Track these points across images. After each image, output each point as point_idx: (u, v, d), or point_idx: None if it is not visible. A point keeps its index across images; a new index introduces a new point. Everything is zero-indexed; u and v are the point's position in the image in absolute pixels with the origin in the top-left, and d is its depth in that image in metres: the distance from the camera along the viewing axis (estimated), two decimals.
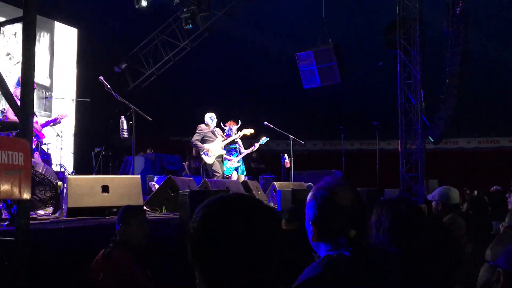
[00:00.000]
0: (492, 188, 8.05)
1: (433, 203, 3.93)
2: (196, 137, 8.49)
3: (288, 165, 9.61)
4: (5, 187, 2.31)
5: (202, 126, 8.62)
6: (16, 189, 2.36)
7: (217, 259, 1.17)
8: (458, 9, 10.12)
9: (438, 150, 15.08)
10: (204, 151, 8.40)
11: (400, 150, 10.52)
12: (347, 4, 13.62)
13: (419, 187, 10.09)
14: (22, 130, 2.47)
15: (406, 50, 10.35)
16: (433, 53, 11.24)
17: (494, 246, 1.27)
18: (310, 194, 1.74)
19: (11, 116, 5.58)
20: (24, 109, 2.50)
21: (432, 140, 10.64)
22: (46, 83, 11.31)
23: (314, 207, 1.68)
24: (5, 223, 3.62)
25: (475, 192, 10.14)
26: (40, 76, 10.89)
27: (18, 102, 2.61)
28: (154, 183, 9.45)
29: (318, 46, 10.72)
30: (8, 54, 10.20)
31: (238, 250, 1.16)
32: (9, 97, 2.51)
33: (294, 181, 9.15)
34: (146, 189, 8.77)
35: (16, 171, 2.37)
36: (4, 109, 6.53)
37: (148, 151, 12.40)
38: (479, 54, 13.03)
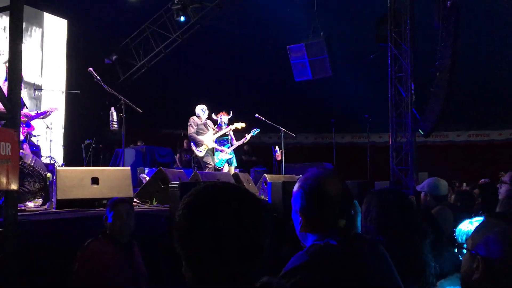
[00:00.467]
0: (481, 181, 8.12)
1: (422, 194, 3.96)
2: (191, 129, 8.46)
3: (279, 158, 9.62)
4: None
5: (194, 118, 8.59)
6: (4, 180, 2.35)
7: (203, 246, 1.17)
8: (449, 2, 10.14)
9: (428, 143, 15.18)
10: (200, 143, 8.40)
11: (390, 143, 10.58)
12: None
13: (409, 180, 10.16)
14: (10, 120, 2.45)
15: (397, 44, 10.38)
16: (424, 46, 11.28)
17: (474, 234, 1.29)
18: (296, 185, 1.74)
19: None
20: (11, 99, 2.48)
21: (422, 133, 10.69)
22: (38, 82, 11.16)
23: (302, 198, 1.68)
24: None
25: (464, 185, 10.22)
26: (32, 75, 10.73)
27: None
28: (145, 176, 9.42)
29: (309, 39, 10.72)
30: None
31: (223, 237, 1.16)
32: None
33: (285, 174, 9.17)
34: (136, 181, 8.75)
35: (3, 162, 2.35)
36: None
37: (139, 144, 12.35)
38: (469, 47, 13.11)
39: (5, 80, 5.56)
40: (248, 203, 1.23)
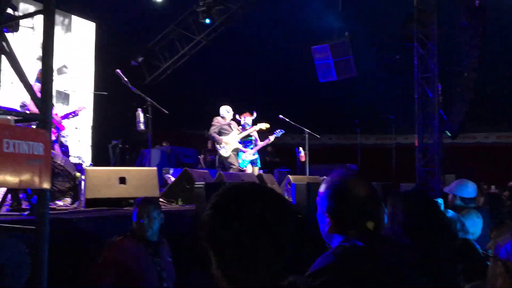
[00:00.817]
0: (510, 183, 7.93)
1: (450, 196, 3.90)
2: (213, 129, 8.53)
3: (303, 159, 9.59)
4: (25, 176, 2.37)
5: (218, 118, 8.65)
6: (37, 179, 2.42)
7: (230, 245, 1.20)
8: (477, 1, 9.96)
9: (456, 145, 14.90)
10: (221, 143, 8.45)
11: (417, 144, 10.42)
12: None
13: (435, 182, 10.00)
14: (43, 121, 2.53)
15: (423, 43, 10.23)
16: (451, 46, 11.10)
17: (495, 237, 1.27)
18: (323, 186, 1.74)
19: (33, 108, 5.68)
20: (44, 101, 2.56)
21: (450, 135, 10.53)
22: (67, 83, 11.37)
23: (330, 198, 1.68)
24: (26, 213, 3.72)
25: (493, 187, 10.00)
26: (61, 76, 10.94)
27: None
28: (169, 176, 9.54)
29: (334, 40, 10.66)
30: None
31: (249, 237, 1.19)
32: (30, 90, 2.57)
33: (309, 175, 9.15)
34: (162, 181, 8.87)
35: (36, 161, 2.43)
36: (24, 102, 6.65)
37: (164, 144, 12.50)
38: (497, 47, 12.83)
39: (36, 81, 5.73)
40: (273, 203, 1.25)
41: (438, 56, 10.10)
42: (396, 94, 13.68)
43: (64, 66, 11.32)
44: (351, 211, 1.65)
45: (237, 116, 8.91)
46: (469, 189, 3.85)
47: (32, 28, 10.14)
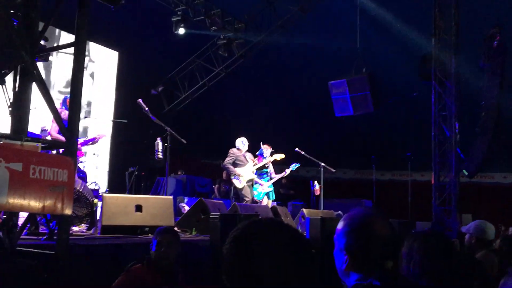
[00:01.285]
0: None
1: (467, 236, 3.84)
2: (228, 160, 8.60)
3: (317, 193, 9.57)
4: (49, 202, 2.43)
5: (234, 150, 8.72)
6: (59, 205, 2.48)
7: (247, 280, 1.22)
8: (495, 42, 10.02)
9: (473, 184, 14.70)
10: (236, 175, 8.49)
11: (433, 182, 10.32)
12: (383, 34, 13.68)
13: (452, 221, 9.85)
14: (68, 148, 2.61)
15: (441, 82, 10.27)
16: (469, 85, 11.11)
17: (507, 281, 1.27)
18: (342, 223, 1.74)
19: (54, 134, 5.82)
20: (71, 129, 2.65)
21: (467, 174, 10.41)
22: (87, 109, 11.63)
23: (349, 236, 1.69)
24: (44, 237, 3.76)
25: (510, 230, 9.81)
26: (82, 103, 11.21)
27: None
28: (184, 205, 9.58)
29: (352, 75, 10.76)
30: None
31: (270, 272, 1.21)
32: (57, 117, 2.66)
33: (323, 209, 9.10)
34: (176, 210, 8.90)
35: (60, 188, 2.49)
36: (44, 127, 6.81)
37: (179, 173, 12.59)
38: None
39: (62, 107, 5.89)
40: (292, 240, 1.28)
41: (456, 95, 10.12)
42: (413, 131, 13.66)
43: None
44: (371, 250, 1.64)
45: (261, 144, 8.95)
46: (488, 231, 3.79)
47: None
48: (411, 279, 1.91)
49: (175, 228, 5.51)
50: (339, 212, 8.38)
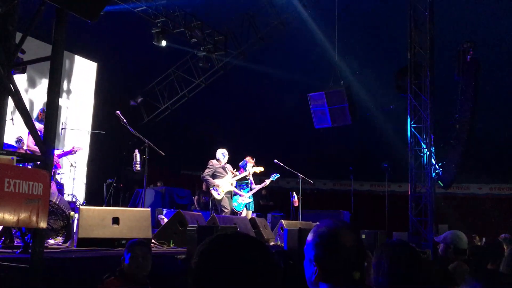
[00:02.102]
0: (501, 236, 7.96)
1: (441, 246, 3.89)
2: (207, 172, 8.60)
3: (296, 204, 9.64)
4: (24, 215, 2.43)
5: (214, 161, 8.74)
6: (34, 218, 2.48)
7: None
8: (468, 56, 10.31)
9: (449, 195, 14.99)
10: (214, 186, 8.50)
11: (409, 193, 10.51)
12: (360, 47, 13.93)
13: (428, 232, 10.01)
14: (44, 162, 2.61)
15: (417, 95, 10.50)
16: (444, 98, 11.39)
17: None
18: (311, 235, 1.78)
19: (31, 146, 5.77)
20: (47, 143, 2.65)
21: (442, 185, 10.62)
22: (64, 121, 11.51)
23: (318, 247, 1.72)
24: (18, 251, 3.72)
25: (483, 240, 10.01)
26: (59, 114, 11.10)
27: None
28: (162, 216, 9.53)
29: (330, 88, 10.92)
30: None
31: (234, 285, 1.25)
32: (33, 130, 2.67)
33: (302, 220, 9.16)
34: (154, 222, 8.85)
35: (35, 201, 2.49)
36: (20, 137, 6.73)
37: (158, 184, 12.52)
38: (490, 99, 13.14)
39: (36, 121, 5.84)
40: (256, 254, 1.32)
41: (431, 108, 10.36)
42: (390, 143, 13.89)
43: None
44: (338, 261, 1.68)
45: (246, 157, 8.96)
46: (463, 240, 3.85)
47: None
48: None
49: (153, 240, 5.51)
50: (318, 223, 8.44)
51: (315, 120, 11.23)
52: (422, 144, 10.39)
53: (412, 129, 10.52)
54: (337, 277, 1.69)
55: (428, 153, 10.29)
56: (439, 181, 10.56)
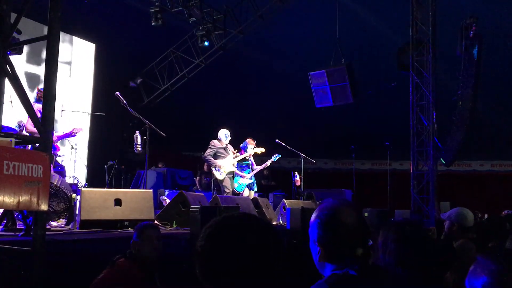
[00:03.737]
0: (503, 212, 7.96)
1: (447, 223, 3.84)
2: (208, 152, 8.57)
3: (298, 183, 9.64)
4: (24, 198, 2.40)
5: (215, 141, 8.70)
6: (35, 201, 2.45)
7: (222, 275, 1.24)
8: (471, 32, 10.15)
9: (451, 172, 14.98)
10: (216, 166, 8.47)
11: (411, 171, 10.49)
12: (361, 24, 13.75)
13: (430, 209, 10.03)
14: (43, 144, 2.57)
15: (419, 72, 10.39)
16: (446, 75, 11.27)
17: (471, 273, 1.29)
18: (314, 215, 1.77)
19: (30, 127, 5.72)
20: (45, 124, 2.60)
21: (444, 162, 10.59)
22: (64, 102, 11.43)
23: (319, 228, 1.71)
24: (21, 233, 3.71)
25: (486, 216, 10.03)
26: (59, 96, 11.01)
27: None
28: (165, 198, 9.54)
29: (331, 66, 10.81)
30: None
31: (240, 267, 1.23)
32: (31, 112, 2.62)
33: (304, 200, 9.17)
34: (156, 203, 8.86)
35: (35, 183, 2.45)
36: (21, 122, 6.69)
37: (160, 165, 12.51)
38: (492, 76, 13.02)
39: (35, 101, 5.78)
40: (262, 234, 1.30)
41: (433, 85, 10.26)
42: (392, 121, 13.82)
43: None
44: (340, 240, 1.67)
45: (249, 140, 8.90)
46: (469, 218, 3.80)
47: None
48: (387, 269, 1.94)
49: (155, 221, 5.51)
50: (319, 201, 8.45)
51: (316, 99, 11.15)
52: (424, 122, 10.33)
53: (414, 106, 10.44)
54: (341, 257, 1.67)
55: (430, 130, 10.24)
56: (441, 159, 10.53)
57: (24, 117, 6.30)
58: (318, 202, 8.39)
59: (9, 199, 2.32)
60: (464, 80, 10.44)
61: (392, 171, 12.43)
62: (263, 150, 9.00)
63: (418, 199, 10.26)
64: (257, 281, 1.23)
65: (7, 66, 2.62)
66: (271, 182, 13.70)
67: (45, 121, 2.59)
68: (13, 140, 2.43)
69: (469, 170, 18.17)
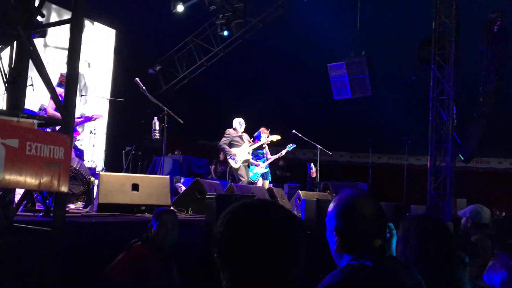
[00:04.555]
0: None
1: (463, 220, 3.88)
2: (224, 140, 8.59)
3: (314, 175, 9.63)
4: (45, 179, 2.43)
5: (230, 130, 8.71)
6: (55, 182, 2.48)
7: (243, 262, 1.23)
8: (495, 27, 9.95)
9: (469, 169, 14.79)
10: (231, 155, 8.49)
11: (429, 166, 10.37)
12: (383, 17, 13.57)
13: (446, 205, 9.92)
14: (64, 126, 2.60)
15: (440, 66, 10.21)
16: (468, 70, 11.07)
17: (490, 268, 1.28)
18: (331, 205, 1.76)
19: (51, 111, 5.80)
20: (67, 107, 2.63)
21: (463, 158, 10.45)
22: (84, 88, 11.58)
23: (337, 218, 1.70)
24: (40, 214, 3.78)
25: (503, 214, 9.90)
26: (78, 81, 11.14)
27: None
28: (180, 185, 9.61)
29: (350, 58, 10.70)
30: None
31: (261, 254, 1.22)
32: (54, 95, 2.65)
33: (318, 191, 9.16)
34: (172, 190, 8.92)
35: (56, 165, 2.49)
36: (43, 106, 6.78)
37: (176, 153, 12.60)
38: None
39: (57, 86, 5.84)
40: (284, 220, 1.29)
41: (455, 80, 10.09)
42: (410, 115, 13.66)
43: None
44: (358, 230, 1.66)
45: (263, 129, 8.90)
46: (483, 215, 3.81)
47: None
48: (406, 262, 1.91)
49: (171, 208, 5.55)
50: (335, 194, 8.44)
51: (335, 91, 11.06)
52: (444, 117, 10.18)
53: (434, 101, 10.29)
54: (358, 247, 1.66)
55: (449, 126, 10.09)
56: (459, 155, 10.39)
57: (46, 101, 6.39)
58: (333, 194, 8.38)
59: (31, 180, 2.36)
60: (487, 76, 10.26)
61: (409, 166, 12.33)
62: (278, 137, 8.99)
63: (434, 195, 10.15)
64: (278, 267, 1.23)
65: (31, 47, 2.64)
66: (286, 173, 13.69)
67: (67, 103, 2.62)
68: (36, 121, 2.46)
69: (487, 168, 17.91)
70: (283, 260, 1.23)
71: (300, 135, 9.34)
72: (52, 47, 10.59)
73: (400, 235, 2.10)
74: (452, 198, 10.12)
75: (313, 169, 9.63)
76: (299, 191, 8.23)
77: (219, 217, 1.30)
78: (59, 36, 10.05)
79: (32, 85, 6.80)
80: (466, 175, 14.84)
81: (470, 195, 13.01)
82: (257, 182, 8.87)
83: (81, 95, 10.63)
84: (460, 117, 10.37)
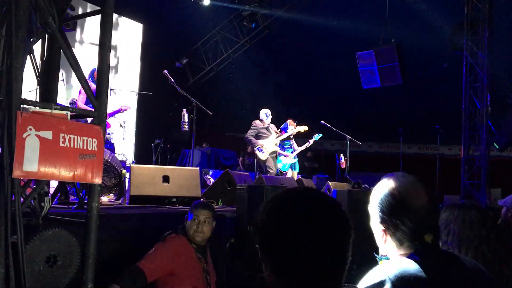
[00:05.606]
0: None
1: (504, 209, 3.74)
2: (250, 132, 8.56)
3: (343, 166, 9.50)
4: (79, 171, 2.44)
5: (257, 122, 8.67)
6: (89, 174, 2.49)
7: (286, 250, 1.18)
8: None
9: (502, 158, 14.37)
10: (258, 146, 8.46)
11: (462, 155, 10.11)
12: (412, 3, 13.23)
13: (481, 195, 9.66)
14: (97, 118, 2.60)
15: (473, 52, 9.91)
16: (503, 55, 10.70)
17: None
18: (377, 191, 1.60)
19: (81, 105, 5.88)
20: (99, 98, 2.63)
21: (497, 147, 10.13)
22: (112, 82, 11.70)
23: (384, 206, 1.55)
24: (74, 206, 3.82)
25: None
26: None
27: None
28: (209, 177, 9.65)
29: (379, 46, 10.49)
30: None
31: (305, 241, 1.17)
32: (86, 86, 2.65)
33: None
34: (201, 182, 8.96)
35: (89, 156, 2.49)
36: (74, 99, 6.89)
37: (204, 145, 12.65)
38: None
39: (89, 79, 5.91)
40: (329, 208, 1.23)
41: (489, 66, 9.77)
42: (441, 104, 13.33)
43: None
44: (408, 222, 1.50)
45: (290, 121, 8.84)
46: None
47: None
48: (454, 254, 1.82)
49: (201, 199, 5.56)
50: (365, 185, 8.31)
51: (363, 80, 10.89)
52: (478, 104, 9.89)
53: (467, 88, 10.00)
54: (407, 240, 1.50)
55: (483, 113, 9.80)
56: (494, 143, 10.08)
57: (76, 96, 6.50)
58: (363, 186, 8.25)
59: (65, 171, 2.36)
60: None
61: (441, 155, 12.04)
62: (306, 128, 8.91)
63: (468, 185, 9.90)
64: (322, 255, 1.18)
65: (63, 39, 2.64)
66: (314, 165, 13.59)
67: (99, 94, 2.62)
68: (69, 113, 2.46)
69: None
70: (327, 248, 1.18)
71: (328, 125, 9.21)
72: (88, 43, 10.76)
73: (441, 223, 2.00)
74: (487, 187, 9.86)
75: (343, 160, 9.50)
76: (329, 182, 8.14)
77: (261, 206, 1.26)
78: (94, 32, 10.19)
79: (63, 80, 6.93)
80: (500, 164, 14.43)
81: (505, 184, 12.64)
82: (287, 173, 8.82)
83: (111, 89, 10.75)
84: (495, 105, 10.06)
